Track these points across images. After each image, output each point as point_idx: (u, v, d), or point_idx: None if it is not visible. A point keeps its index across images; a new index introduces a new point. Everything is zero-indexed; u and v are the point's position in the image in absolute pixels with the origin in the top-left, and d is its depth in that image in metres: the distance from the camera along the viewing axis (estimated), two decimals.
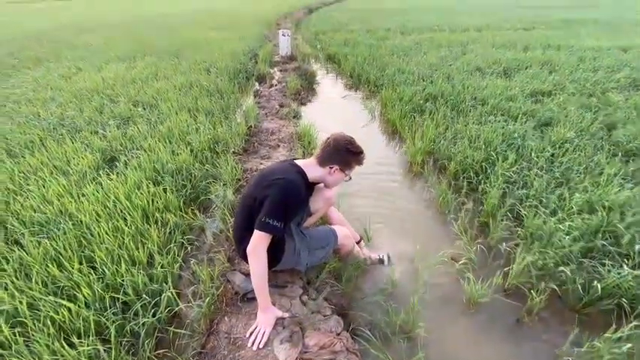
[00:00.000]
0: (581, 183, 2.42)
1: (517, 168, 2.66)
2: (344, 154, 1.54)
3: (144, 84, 4.94)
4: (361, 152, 1.57)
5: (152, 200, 2.26)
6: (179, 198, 2.39)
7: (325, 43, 8.73)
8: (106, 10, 20.35)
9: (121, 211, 2.15)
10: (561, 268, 1.76)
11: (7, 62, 6.64)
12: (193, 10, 18.29)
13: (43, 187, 2.39)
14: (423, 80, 5.06)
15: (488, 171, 2.73)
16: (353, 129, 4.20)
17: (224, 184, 2.62)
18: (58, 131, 3.36)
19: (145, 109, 3.98)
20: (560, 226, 1.98)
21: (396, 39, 8.71)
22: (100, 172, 2.57)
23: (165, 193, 2.36)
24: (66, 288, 1.62)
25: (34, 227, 2.01)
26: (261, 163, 3.14)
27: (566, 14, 13.65)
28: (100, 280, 1.66)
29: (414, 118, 3.91)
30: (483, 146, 3.00)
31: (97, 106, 4.07)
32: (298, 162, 1.61)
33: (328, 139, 1.57)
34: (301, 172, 1.56)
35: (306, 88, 5.49)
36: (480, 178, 2.70)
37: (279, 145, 3.51)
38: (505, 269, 1.93)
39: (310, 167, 1.59)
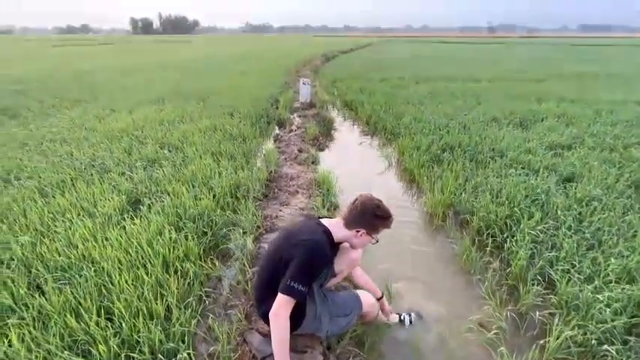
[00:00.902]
0: (615, 247, 2.30)
1: (544, 227, 2.57)
2: (371, 218, 1.53)
3: (171, 126, 5.21)
4: (389, 216, 1.56)
5: (173, 247, 2.26)
6: (199, 246, 2.39)
7: (342, 90, 9.14)
8: (143, 55, 22.19)
9: (142, 258, 2.15)
10: (605, 346, 1.62)
11: (49, 102, 7.17)
12: (220, 57, 19.73)
13: (70, 229, 2.44)
14: (440, 130, 5.15)
15: (514, 229, 2.65)
16: (370, 176, 4.24)
17: (244, 232, 2.62)
18: (88, 171, 3.51)
19: (170, 151, 4.15)
20: (599, 296, 1.86)
21: (411, 88, 9.06)
22: (125, 216, 2.63)
23: (187, 239, 2.37)
24: (82, 342, 1.59)
25: (57, 272, 2.02)
26: (280, 210, 3.16)
27: (575, 67, 14.03)
28: (117, 335, 1.62)
29: (433, 168, 3.92)
30: (506, 201, 2.94)
31: (126, 147, 4.28)
32: (324, 221, 1.61)
33: (356, 201, 1.57)
34: (327, 233, 1.55)
35: (325, 134, 5.66)
36: (505, 235, 2.61)
37: (297, 192, 3.55)
38: (540, 342, 1.79)
39: (336, 228, 1.58)
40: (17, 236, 2.35)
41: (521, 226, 2.59)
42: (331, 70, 14.13)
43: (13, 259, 2.13)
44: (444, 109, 6.42)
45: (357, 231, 1.56)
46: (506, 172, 3.59)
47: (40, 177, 3.38)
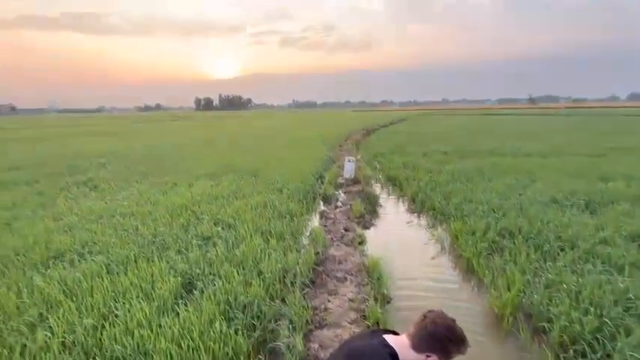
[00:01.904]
0: None
1: None
2: (443, 342, 1.37)
3: (225, 201, 5.55)
4: (464, 341, 1.39)
5: (223, 342, 2.20)
6: (248, 340, 2.30)
7: (384, 165, 9.34)
8: (203, 129, 25.20)
9: (193, 352, 2.10)
10: None
11: (123, 174, 8.15)
12: (269, 131, 21.69)
13: (129, 311, 2.52)
14: (494, 211, 4.88)
15: (609, 347, 2.22)
16: (422, 262, 4.00)
17: (293, 328, 2.50)
18: (149, 248, 3.74)
19: (223, 228, 4.35)
20: None
21: (456, 163, 8.98)
22: (179, 301, 2.67)
23: (237, 334, 2.30)
24: None
25: None
26: (328, 300, 3.02)
27: (636, 140, 13.14)
28: None
29: (492, 257, 3.61)
30: (591, 308, 2.53)
31: (184, 222, 4.57)
32: (390, 339, 1.47)
33: (425, 319, 1.44)
34: (393, 355, 1.40)
35: (370, 212, 5.64)
36: (598, 356, 2.19)
37: (346, 279, 3.42)
38: None
39: (404, 349, 1.43)
40: (82, 318, 2.46)
41: (619, 345, 2.17)
42: (372, 143, 14.70)
43: (76, 345, 2.19)
44: (495, 187, 6.18)
45: (428, 356, 1.39)
46: (582, 268, 3.18)
47: (108, 251, 3.66)
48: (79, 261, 3.45)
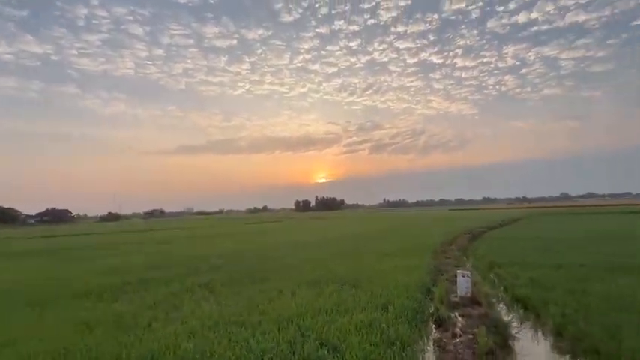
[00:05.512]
0: None
1: None
2: None
3: (328, 316, 5.33)
4: None
5: None
6: None
7: (507, 279, 7.89)
8: (302, 231, 26.96)
9: None
10: None
11: (234, 278, 8.88)
12: (363, 234, 21.69)
13: None
14: None
15: None
16: None
17: None
18: None
19: (329, 352, 4.05)
20: None
21: (608, 282, 7.01)
22: None
23: None
24: None
25: None
26: None
27: None
28: None
29: None
30: None
31: (290, 339, 4.47)
32: None
33: None
34: None
35: (501, 346, 4.55)
36: None
37: None
38: None
39: None
40: None
41: None
42: (483, 250, 12.96)
43: None
44: None
45: None
46: None
47: None
48: None
